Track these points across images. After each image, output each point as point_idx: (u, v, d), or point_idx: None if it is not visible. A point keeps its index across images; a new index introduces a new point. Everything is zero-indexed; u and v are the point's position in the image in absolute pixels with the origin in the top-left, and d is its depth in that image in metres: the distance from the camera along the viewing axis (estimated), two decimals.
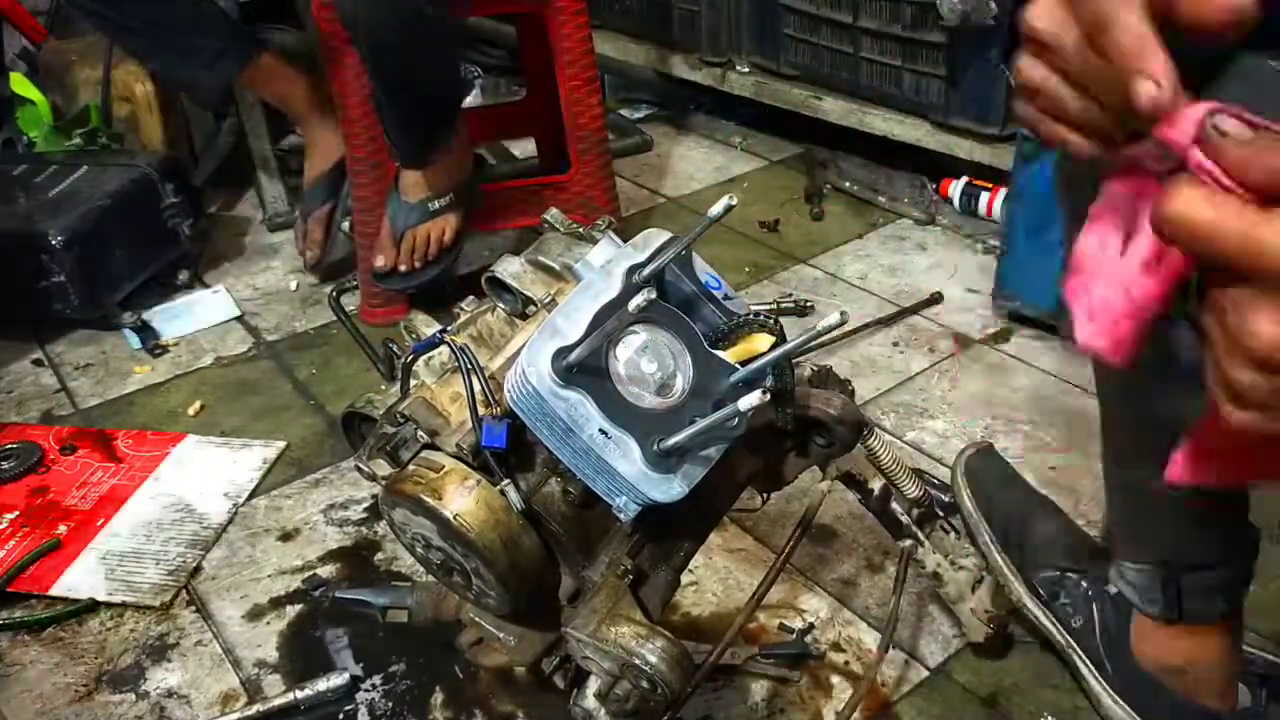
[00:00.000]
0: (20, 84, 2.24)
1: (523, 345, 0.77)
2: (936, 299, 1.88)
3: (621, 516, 0.77)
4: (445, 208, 1.81)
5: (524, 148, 2.45)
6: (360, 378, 1.74)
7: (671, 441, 0.75)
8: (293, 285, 2.05)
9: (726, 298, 0.87)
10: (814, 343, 0.79)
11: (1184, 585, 0.98)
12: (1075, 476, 1.44)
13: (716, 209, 0.78)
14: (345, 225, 1.99)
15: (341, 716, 1.18)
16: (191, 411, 1.71)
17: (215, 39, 1.91)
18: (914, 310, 1.86)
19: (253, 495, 1.51)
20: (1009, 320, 1.81)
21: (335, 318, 1.92)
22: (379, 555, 1.40)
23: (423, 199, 1.79)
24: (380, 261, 1.83)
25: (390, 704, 1.19)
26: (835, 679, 1.18)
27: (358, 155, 1.84)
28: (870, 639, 1.23)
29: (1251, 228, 0.40)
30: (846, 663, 1.21)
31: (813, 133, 2.42)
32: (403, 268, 1.82)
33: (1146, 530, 1.00)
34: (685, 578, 0.97)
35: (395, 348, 0.96)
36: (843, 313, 0.75)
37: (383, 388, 0.95)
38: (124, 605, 1.33)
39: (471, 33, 2.91)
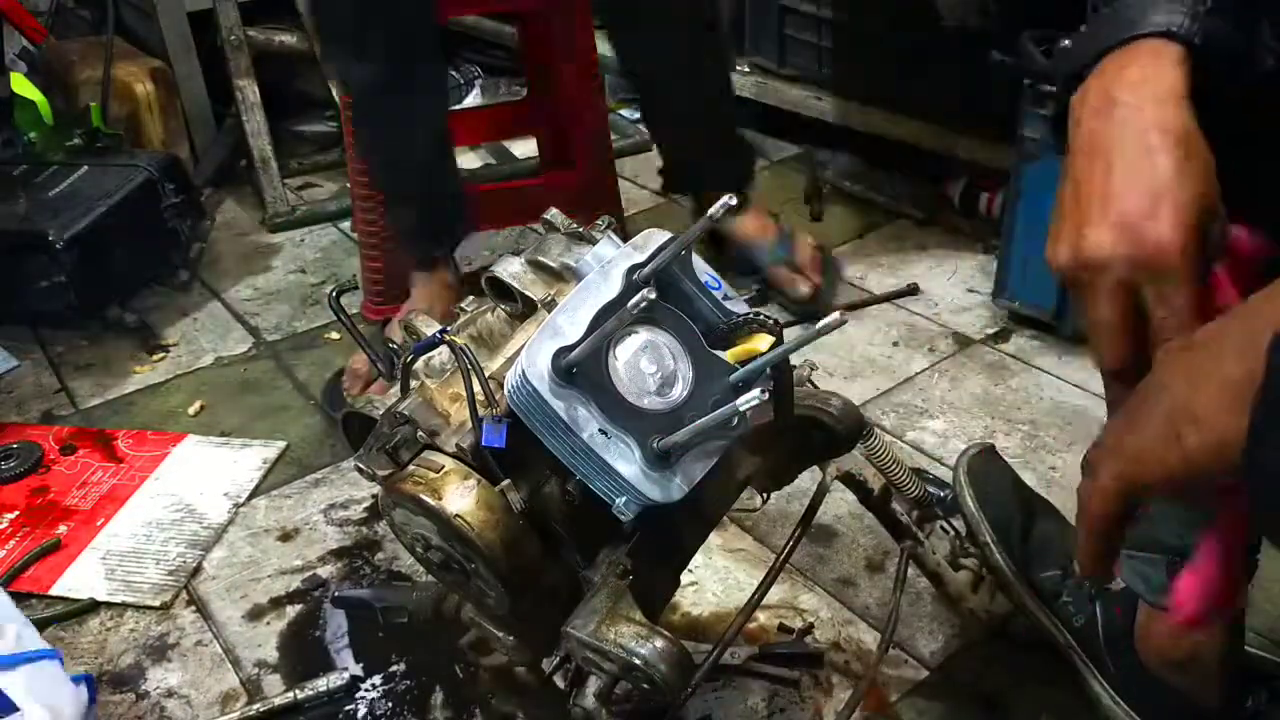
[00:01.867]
0: (20, 84, 2.24)
1: (523, 345, 0.77)
2: (913, 290, 1.91)
3: (621, 517, 0.77)
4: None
5: (524, 148, 2.45)
6: None
7: (671, 441, 0.75)
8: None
9: (726, 298, 0.87)
10: (813, 343, 0.79)
11: None
12: (1075, 476, 1.44)
13: (716, 209, 0.78)
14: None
15: (341, 716, 1.18)
16: (192, 411, 1.71)
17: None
18: (888, 299, 1.89)
19: (253, 495, 1.51)
20: (1009, 320, 1.81)
21: (335, 318, 1.92)
22: (379, 555, 1.40)
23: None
24: (805, 289, 1.86)
25: (390, 704, 1.19)
26: (835, 679, 1.18)
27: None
28: (870, 639, 1.23)
29: None
30: (846, 663, 1.21)
31: (813, 133, 2.42)
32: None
33: (1151, 518, 1.00)
34: (685, 578, 0.97)
35: (395, 347, 0.96)
36: (842, 313, 0.75)
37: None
38: (124, 605, 1.33)
39: (471, 33, 2.91)
